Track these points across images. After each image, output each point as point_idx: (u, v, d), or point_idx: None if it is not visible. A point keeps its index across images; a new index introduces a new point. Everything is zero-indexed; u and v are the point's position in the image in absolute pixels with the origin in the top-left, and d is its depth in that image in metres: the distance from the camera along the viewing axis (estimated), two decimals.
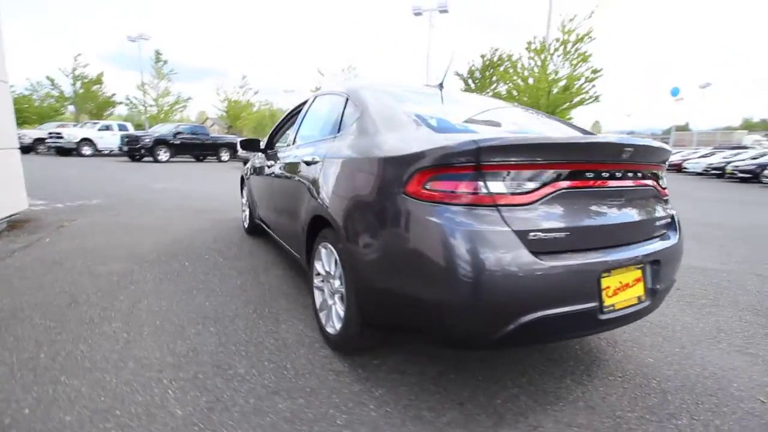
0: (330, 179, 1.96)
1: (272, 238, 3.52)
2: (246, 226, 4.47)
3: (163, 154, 16.10)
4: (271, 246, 3.97)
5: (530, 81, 13.96)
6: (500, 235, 1.32)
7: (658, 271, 1.67)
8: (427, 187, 1.41)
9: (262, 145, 3.73)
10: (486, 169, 1.36)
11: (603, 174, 1.53)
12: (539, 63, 13.94)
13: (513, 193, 1.37)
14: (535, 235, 1.36)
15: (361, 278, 1.65)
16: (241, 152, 4.45)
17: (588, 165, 1.49)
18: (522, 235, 1.34)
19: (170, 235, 4.25)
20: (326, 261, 2.05)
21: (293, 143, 2.90)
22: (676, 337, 2.31)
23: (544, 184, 1.41)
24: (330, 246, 1.96)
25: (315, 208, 2.07)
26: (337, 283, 1.95)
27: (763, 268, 3.80)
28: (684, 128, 52.85)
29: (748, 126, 63.74)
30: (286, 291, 2.81)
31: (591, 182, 1.51)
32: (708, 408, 1.66)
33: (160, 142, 16.01)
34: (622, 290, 1.55)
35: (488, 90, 18.59)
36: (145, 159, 16.07)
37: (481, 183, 1.36)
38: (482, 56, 18.64)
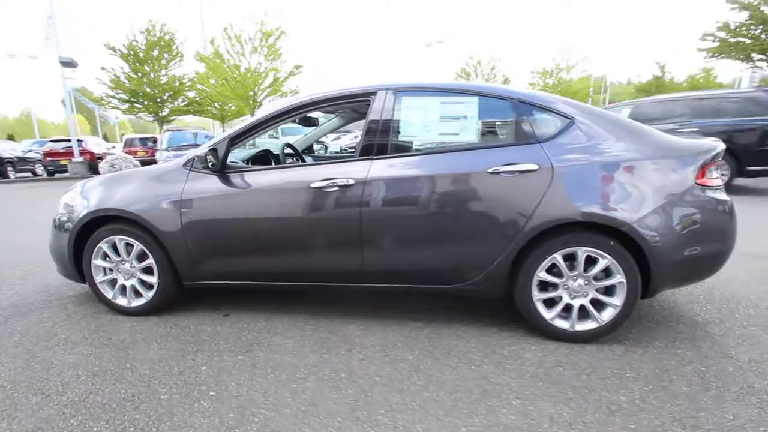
0: (585, 182, 1.99)
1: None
2: (140, 303, 2.50)
3: None
4: (269, 314, 2.55)
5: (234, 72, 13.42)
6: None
7: None
8: (707, 176, 2.01)
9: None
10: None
11: None
12: (241, 50, 13.58)
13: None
14: None
15: (661, 258, 1.97)
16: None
17: None
18: None
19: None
20: (565, 267, 2.06)
21: (386, 154, 2.16)
22: None
23: None
24: (583, 248, 2.02)
25: (553, 215, 1.98)
26: (584, 282, 2.07)
27: None
28: None
29: None
30: (450, 335, 2.23)
31: None
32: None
33: None
34: None
35: (163, 75, 15.77)
36: None
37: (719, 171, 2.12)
38: (147, 31, 15.30)
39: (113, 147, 18.32)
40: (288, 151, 3.20)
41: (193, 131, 14.47)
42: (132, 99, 15.98)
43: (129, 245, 2.48)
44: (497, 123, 2.26)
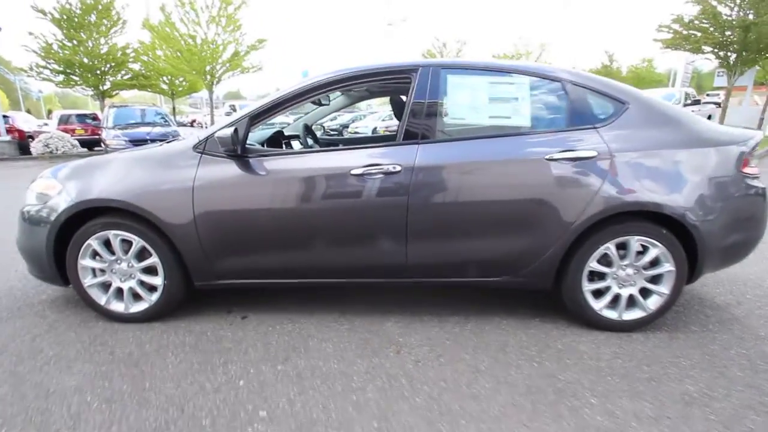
0: (641, 169, 1.93)
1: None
2: (142, 309, 2.17)
3: None
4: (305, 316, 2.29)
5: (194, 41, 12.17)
6: None
7: None
8: (750, 165, 2.03)
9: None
10: None
11: None
12: (196, 19, 12.31)
13: None
14: None
15: (709, 244, 1.97)
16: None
17: None
18: None
19: None
20: (617, 256, 2.02)
21: (433, 137, 1.98)
22: None
23: None
24: (636, 237, 1.98)
25: (612, 204, 1.92)
26: (633, 271, 2.04)
27: None
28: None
29: None
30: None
31: None
32: None
33: None
34: None
35: (103, 44, 13.96)
36: None
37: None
38: None
39: (45, 124, 16.30)
40: (291, 133, 2.89)
41: (141, 107, 13.17)
42: (67, 70, 14.10)
43: (126, 241, 2.11)
44: (551, 106, 2.12)
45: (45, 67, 14.17)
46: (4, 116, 12.68)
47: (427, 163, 1.97)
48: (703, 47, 10.79)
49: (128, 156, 2.29)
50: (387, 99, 3.17)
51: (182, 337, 2.06)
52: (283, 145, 2.84)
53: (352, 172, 1.97)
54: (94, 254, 2.14)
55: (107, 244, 2.13)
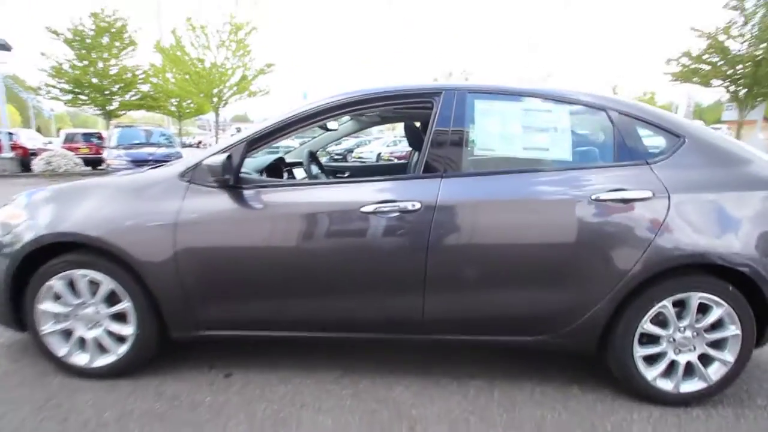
0: (703, 214, 1.65)
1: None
2: (107, 362, 1.83)
3: None
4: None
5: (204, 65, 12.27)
6: None
7: None
8: None
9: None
10: None
11: None
12: (206, 43, 12.46)
13: None
14: None
15: None
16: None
17: None
18: None
19: None
20: (674, 316, 1.69)
21: (459, 171, 1.71)
22: None
23: None
24: (697, 294, 1.66)
25: (671, 255, 1.62)
26: (693, 333, 1.72)
27: None
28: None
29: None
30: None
31: None
32: None
33: None
34: None
35: (113, 64, 14.13)
36: None
37: None
38: (94, 15, 13.59)
39: (50, 142, 16.33)
40: (292, 160, 2.64)
41: (146, 128, 13.13)
42: (76, 89, 14.21)
43: (93, 283, 1.81)
44: (595, 137, 1.86)
45: (54, 86, 14.31)
46: (9, 133, 12.65)
47: (451, 201, 1.67)
48: (712, 81, 10.74)
49: (108, 182, 2.03)
50: (392, 124, 2.95)
51: (150, 402, 1.71)
52: (285, 174, 2.58)
53: (363, 209, 1.67)
54: (56, 297, 1.83)
55: (71, 284, 1.82)
